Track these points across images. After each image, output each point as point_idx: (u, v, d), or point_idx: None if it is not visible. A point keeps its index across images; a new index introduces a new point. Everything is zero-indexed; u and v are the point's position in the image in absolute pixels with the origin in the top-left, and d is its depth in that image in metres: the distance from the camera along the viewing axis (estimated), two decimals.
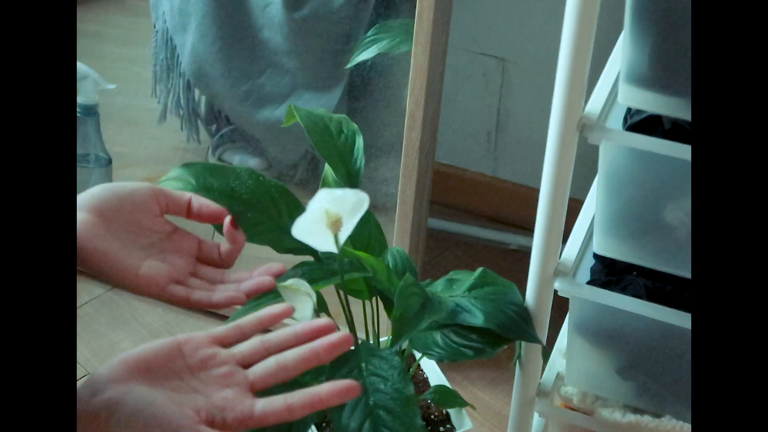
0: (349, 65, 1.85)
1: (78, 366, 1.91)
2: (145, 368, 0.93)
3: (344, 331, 0.98)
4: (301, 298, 1.22)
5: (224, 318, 1.97)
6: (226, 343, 0.99)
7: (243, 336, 1.00)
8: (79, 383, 0.92)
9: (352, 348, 1.26)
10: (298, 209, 1.31)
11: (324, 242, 1.11)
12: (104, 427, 0.90)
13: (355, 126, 1.39)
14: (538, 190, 1.29)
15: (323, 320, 0.99)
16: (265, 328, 1.01)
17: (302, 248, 1.31)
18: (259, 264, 1.10)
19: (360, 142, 1.38)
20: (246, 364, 0.97)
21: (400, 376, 1.17)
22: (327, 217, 1.09)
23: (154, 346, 0.95)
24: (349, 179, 1.36)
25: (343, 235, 1.10)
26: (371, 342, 1.35)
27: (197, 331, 0.99)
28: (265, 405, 0.93)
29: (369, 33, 1.83)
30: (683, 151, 1.18)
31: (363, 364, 1.19)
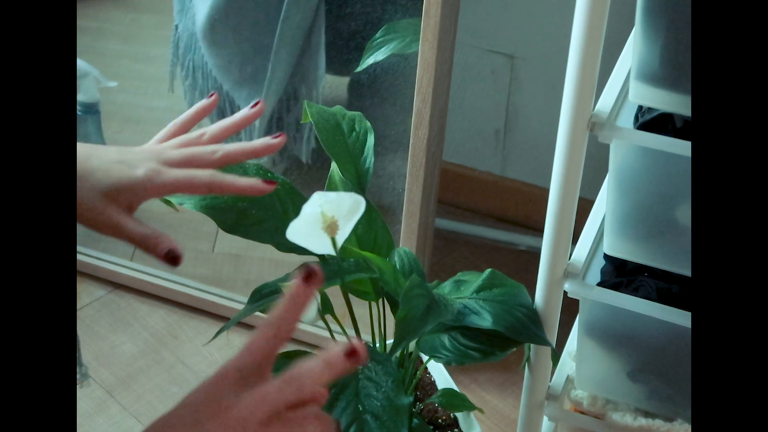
0: (359, 68, 1.85)
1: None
2: None
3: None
4: None
5: (226, 319, 1.97)
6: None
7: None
8: None
9: None
10: (291, 191, 1.31)
11: (321, 245, 1.11)
12: None
13: (368, 124, 1.39)
14: (547, 190, 1.29)
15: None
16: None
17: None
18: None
19: (371, 140, 1.38)
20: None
21: (393, 383, 1.17)
22: (323, 219, 1.09)
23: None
24: (358, 179, 1.36)
25: (341, 238, 1.11)
26: (377, 345, 1.35)
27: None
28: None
29: (377, 34, 1.83)
30: None
31: (360, 367, 1.19)
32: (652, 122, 1.29)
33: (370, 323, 1.36)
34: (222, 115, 2.16)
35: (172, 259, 1.04)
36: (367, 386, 1.17)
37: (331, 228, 1.10)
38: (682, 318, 1.28)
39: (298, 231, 1.10)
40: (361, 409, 1.15)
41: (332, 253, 1.11)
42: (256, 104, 1.17)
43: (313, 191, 1.18)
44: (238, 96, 2.12)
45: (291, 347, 1.97)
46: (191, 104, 2.21)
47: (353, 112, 1.41)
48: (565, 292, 1.34)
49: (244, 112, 1.17)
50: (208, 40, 2.10)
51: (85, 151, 1.09)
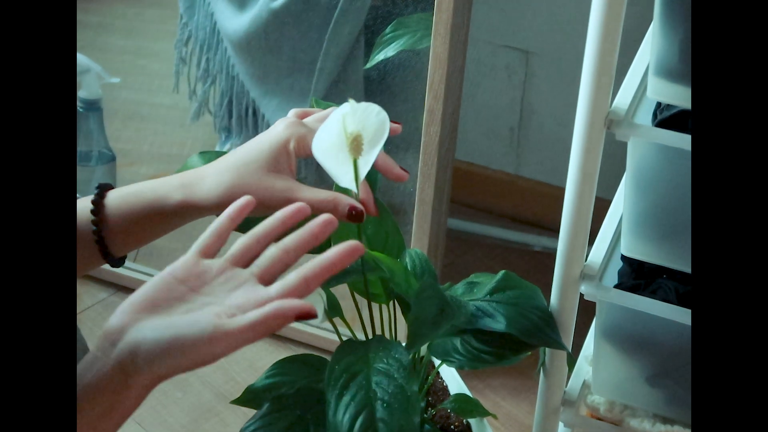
0: (369, 65, 1.86)
1: None
2: (150, 305, 0.95)
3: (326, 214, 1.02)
4: (311, 297, 1.22)
5: None
6: (212, 253, 1.02)
7: (222, 239, 1.03)
8: (94, 345, 0.95)
9: (364, 340, 1.26)
10: None
11: (343, 172, 1.11)
12: (133, 372, 0.93)
13: None
14: (563, 189, 1.29)
15: (296, 204, 1.03)
16: (236, 224, 1.04)
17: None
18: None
19: None
20: (244, 263, 1.00)
21: (405, 371, 1.17)
22: (345, 135, 1.09)
23: (149, 284, 0.97)
24: (368, 178, 1.36)
25: (363, 166, 1.11)
26: None
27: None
28: (280, 286, 0.96)
29: (387, 29, 1.83)
30: None
31: (371, 355, 1.20)
32: (671, 119, 1.29)
33: (381, 326, 1.36)
34: (241, 121, 2.16)
35: (355, 216, 1.10)
36: (378, 374, 1.18)
37: (355, 146, 1.10)
38: None
39: (322, 146, 1.10)
40: (371, 396, 1.16)
41: (353, 188, 1.12)
42: (396, 122, 1.21)
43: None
44: (266, 105, 2.13)
45: (299, 351, 1.98)
46: (202, 104, 2.21)
47: None
48: (581, 295, 1.34)
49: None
50: (243, 50, 2.10)
51: (230, 153, 1.16)
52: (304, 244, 1.00)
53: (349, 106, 1.11)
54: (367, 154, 1.11)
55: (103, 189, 1.14)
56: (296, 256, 1.00)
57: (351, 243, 0.97)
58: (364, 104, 1.10)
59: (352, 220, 1.11)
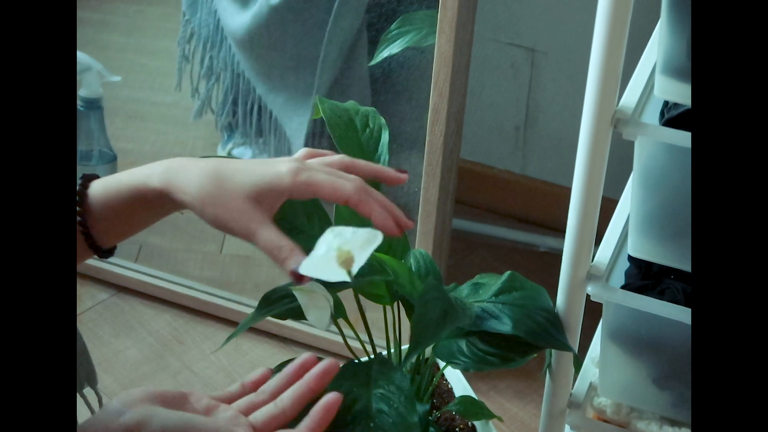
0: (374, 62, 1.86)
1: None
2: (160, 399, 1.02)
3: (328, 358, 1.09)
4: (318, 302, 1.22)
5: (235, 324, 1.97)
6: (228, 401, 1.10)
7: (236, 399, 1.11)
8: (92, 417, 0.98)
9: (364, 360, 1.26)
10: (313, 205, 1.31)
11: (337, 276, 1.12)
12: None
13: (383, 120, 1.39)
14: (569, 189, 1.29)
15: (304, 355, 1.12)
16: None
17: None
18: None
19: (386, 137, 1.38)
20: (247, 414, 1.08)
21: (406, 399, 1.18)
22: (338, 255, 1.10)
23: (161, 388, 1.04)
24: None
25: (356, 268, 1.11)
26: (392, 350, 1.35)
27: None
28: None
29: (392, 26, 1.83)
30: None
31: (371, 380, 1.20)
32: (679, 118, 1.29)
33: (385, 328, 1.36)
34: (247, 118, 2.17)
35: (297, 278, 1.09)
36: (378, 401, 1.18)
37: (347, 262, 1.10)
38: None
39: (313, 268, 1.11)
40: (372, 425, 1.16)
41: (347, 280, 1.12)
42: (403, 171, 1.21)
43: None
44: (272, 101, 2.13)
45: (301, 352, 1.98)
46: (205, 102, 2.22)
47: (367, 108, 1.41)
48: (587, 296, 1.34)
49: (392, 171, 1.21)
50: (246, 47, 2.11)
51: (227, 161, 1.14)
52: (300, 401, 1.08)
53: (339, 236, 1.11)
54: (357, 261, 1.11)
55: (86, 179, 1.14)
56: (293, 413, 1.08)
57: (326, 401, 1.06)
58: (350, 231, 1.11)
59: (293, 280, 1.11)
